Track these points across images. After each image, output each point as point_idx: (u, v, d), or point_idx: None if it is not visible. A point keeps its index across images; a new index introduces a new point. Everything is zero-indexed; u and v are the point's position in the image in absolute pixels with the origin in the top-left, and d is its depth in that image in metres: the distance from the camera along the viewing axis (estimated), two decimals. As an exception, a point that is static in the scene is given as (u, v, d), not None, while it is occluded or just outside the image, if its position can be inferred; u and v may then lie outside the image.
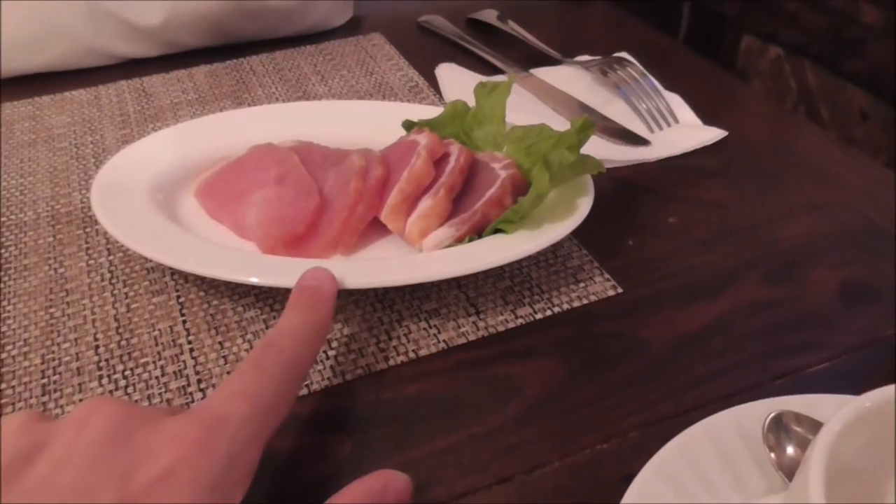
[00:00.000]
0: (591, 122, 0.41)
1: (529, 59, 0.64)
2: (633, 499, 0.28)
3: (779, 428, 0.29)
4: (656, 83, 0.57)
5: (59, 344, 0.38)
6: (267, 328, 0.38)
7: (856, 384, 0.35)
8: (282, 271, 0.37)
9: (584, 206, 0.40)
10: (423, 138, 0.43)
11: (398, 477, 0.28)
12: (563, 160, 0.39)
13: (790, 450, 0.28)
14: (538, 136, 0.43)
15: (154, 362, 0.37)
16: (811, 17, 1.20)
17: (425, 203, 0.40)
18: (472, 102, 0.46)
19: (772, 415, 0.29)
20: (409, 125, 0.47)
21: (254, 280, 0.37)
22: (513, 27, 0.68)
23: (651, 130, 0.53)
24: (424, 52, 0.66)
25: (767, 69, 1.28)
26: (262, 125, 0.50)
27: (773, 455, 0.28)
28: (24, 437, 0.24)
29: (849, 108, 1.16)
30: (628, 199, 0.48)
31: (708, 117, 0.55)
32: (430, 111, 0.48)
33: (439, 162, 0.42)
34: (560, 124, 0.43)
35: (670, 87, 0.58)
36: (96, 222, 0.46)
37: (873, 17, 1.12)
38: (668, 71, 0.61)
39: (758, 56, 1.29)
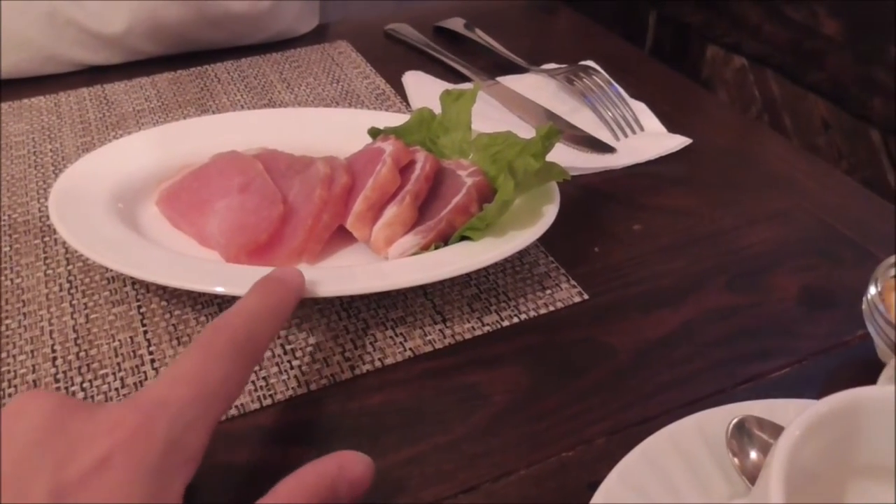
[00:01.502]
0: (556, 129, 0.41)
1: (496, 67, 0.64)
2: (598, 505, 0.28)
3: (742, 433, 0.29)
4: (622, 91, 0.58)
5: (14, 356, 0.37)
6: (230, 338, 0.38)
7: (817, 388, 0.36)
8: (245, 280, 0.36)
9: (550, 213, 0.40)
10: (388, 145, 0.43)
11: (357, 459, 0.27)
12: (528, 167, 0.39)
13: (753, 455, 0.28)
14: (504, 143, 0.43)
15: (114, 373, 0.36)
16: (773, 28, 1.22)
17: (391, 211, 0.40)
18: (438, 110, 0.46)
19: (735, 420, 0.29)
20: (374, 132, 0.46)
21: (217, 289, 0.36)
22: (479, 35, 0.68)
23: (616, 138, 0.54)
24: (391, 60, 0.65)
25: (732, 78, 1.30)
26: (226, 133, 0.49)
27: (736, 460, 0.28)
28: None
29: (811, 117, 1.18)
30: (594, 206, 0.48)
31: (673, 125, 0.56)
32: (396, 118, 0.48)
33: (405, 169, 0.42)
34: (526, 132, 0.43)
35: (635, 96, 0.59)
36: (55, 231, 0.45)
37: (833, 30, 1.14)
38: (633, 79, 0.61)
39: (722, 66, 1.31)
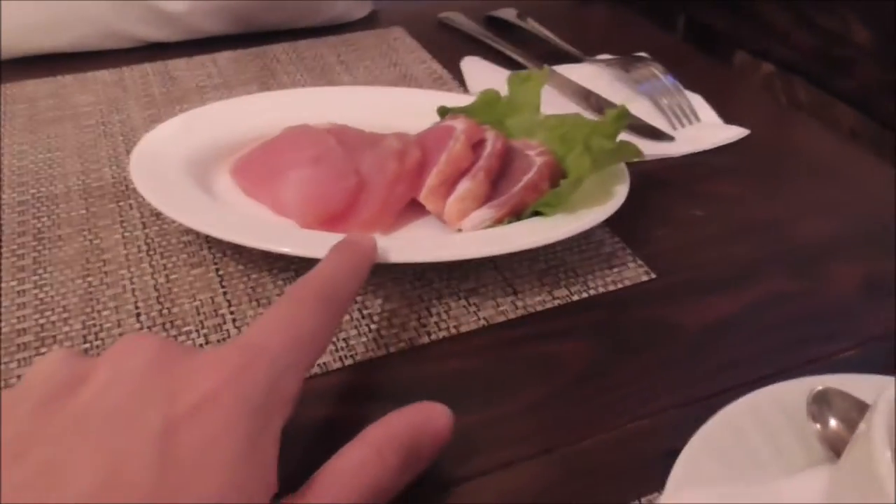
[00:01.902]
0: (626, 111, 0.42)
1: (549, 56, 0.65)
2: (681, 470, 0.28)
3: (822, 403, 0.30)
4: (677, 82, 0.58)
5: (98, 311, 0.38)
6: (307, 302, 0.39)
7: (882, 371, 0.36)
8: (321, 244, 0.37)
9: (620, 193, 0.41)
10: (459, 123, 0.44)
11: (441, 411, 0.28)
12: (602, 146, 0.40)
13: (833, 423, 0.29)
14: (573, 124, 0.44)
15: (197, 331, 0.37)
16: (802, 35, 1.23)
17: (464, 185, 0.41)
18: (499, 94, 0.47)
19: (816, 390, 0.30)
20: (443, 111, 0.47)
21: (295, 251, 0.37)
22: (532, 25, 0.69)
23: (673, 127, 0.54)
24: (446, 46, 0.66)
25: (759, 84, 1.31)
26: (294, 108, 0.50)
27: (818, 426, 0.29)
28: (66, 369, 0.25)
29: (838, 125, 1.18)
30: (654, 192, 0.49)
31: (726, 117, 0.57)
32: (462, 99, 0.49)
33: (476, 147, 0.43)
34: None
35: (688, 87, 0.60)
36: (129, 196, 0.46)
37: (863, 38, 1.15)
38: (682, 71, 0.62)
39: (750, 71, 1.32)
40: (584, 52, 0.65)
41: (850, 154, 0.55)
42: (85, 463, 0.21)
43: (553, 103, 0.56)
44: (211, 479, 0.22)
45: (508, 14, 0.71)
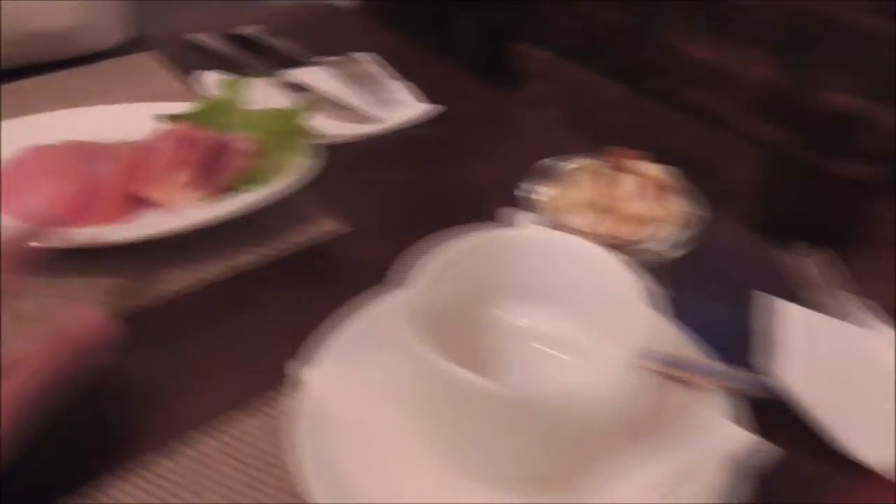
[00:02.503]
0: (312, 103, 0.53)
1: (284, 63, 0.75)
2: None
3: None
4: (383, 72, 0.70)
5: None
6: None
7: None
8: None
9: (309, 167, 0.52)
10: (173, 125, 0.53)
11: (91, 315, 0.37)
12: (290, 132, 0.51)
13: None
14: (271, 117, 0.54)
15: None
16: (569, 22, 1.41)
17: (177, 176, 0.50)
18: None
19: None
20: (163, 118, 0.56)
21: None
22: (271, 40, 0.79)
23: (376, 111, 0.66)
24: (193, 65, 0.74)
25: (539, 69, 1.47)
26: (31, 136, 0.56)
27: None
28: None
29: (604, 98, 1.37)
30: (358, 162, 0.60)
31: (431, 100, 0.69)
32: (182, 106, 0.58)
33: (190, 143, 0.52)
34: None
35: (406, 78, 0.71)
36: None
37: (618, 19, 1.33)
38: (402, 66, 0.74)
39: (530, 59, 1.48)
40: (322, 55, 0.75)
41: (539, 120, 0.69)
42: None
43: (273, 101, 0.66)
44: None
45: (249, 30, 0.81)
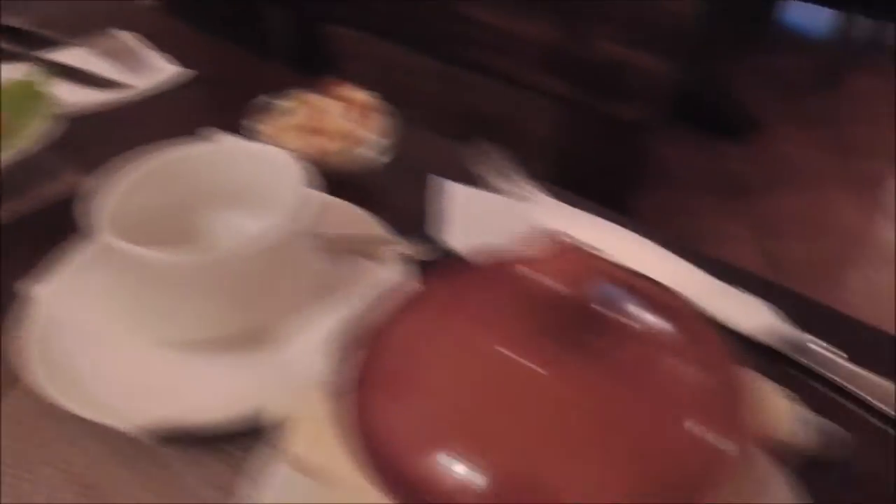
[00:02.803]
0: (49, 70, 0.56)
1: (44, 46, 0.76)
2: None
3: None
4: (143, 45, 0.73)
5: None
6: None
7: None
8: None
9: (48, 130, 0.55)
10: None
11: None
12: (27, 98, 0.55)
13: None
14: (9, 87, 0.57)
15: None
16: (374, 2, 1.48)
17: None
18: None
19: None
20: None
21: None
22: (38, 29, 0.80)
23: (130, 80, 0.69)
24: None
25: (353, 49, 1.53)
26: None
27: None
28: None
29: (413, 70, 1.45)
30: (115, 129, 0.63)
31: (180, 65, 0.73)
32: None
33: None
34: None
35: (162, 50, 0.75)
36: None
37: None
38: (159, 41, 0.77)
39: (344, 40, 1.53)
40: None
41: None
42: None
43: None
44: None
45: (15, 22, 0.82)
